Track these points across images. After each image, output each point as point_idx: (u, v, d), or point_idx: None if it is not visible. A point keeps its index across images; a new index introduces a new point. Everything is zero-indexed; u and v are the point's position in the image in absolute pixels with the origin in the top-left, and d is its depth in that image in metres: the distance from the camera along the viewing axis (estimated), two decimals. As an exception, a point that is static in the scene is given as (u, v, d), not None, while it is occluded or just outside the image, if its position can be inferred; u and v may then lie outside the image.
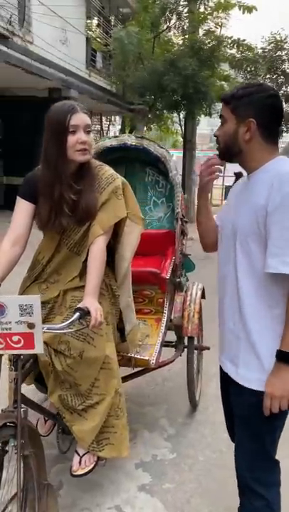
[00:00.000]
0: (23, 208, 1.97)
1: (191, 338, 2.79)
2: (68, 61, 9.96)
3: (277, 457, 1.55)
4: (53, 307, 2.03)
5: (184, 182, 13.96)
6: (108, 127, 16.98)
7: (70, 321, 1.66)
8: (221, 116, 1.52)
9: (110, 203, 1.95)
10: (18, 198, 1.99)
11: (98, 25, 12.52)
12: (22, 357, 1.64)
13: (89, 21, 11.47)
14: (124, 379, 2.62)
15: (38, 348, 1.54)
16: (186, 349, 2.87)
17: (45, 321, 2.03)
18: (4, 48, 7.08)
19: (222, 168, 1.66)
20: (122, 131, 15.55)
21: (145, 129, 16.79)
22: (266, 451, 1.50)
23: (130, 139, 3.14)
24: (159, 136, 19.28)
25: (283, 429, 1.52)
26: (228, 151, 1.51)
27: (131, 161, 3.35)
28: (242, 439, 1.54)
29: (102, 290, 2.07)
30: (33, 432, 1.70)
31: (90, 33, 11.70)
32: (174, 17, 11.90)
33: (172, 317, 2.86)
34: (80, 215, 1.94)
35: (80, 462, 1.94)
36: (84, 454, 1.95)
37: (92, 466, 1.95)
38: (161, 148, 3.08)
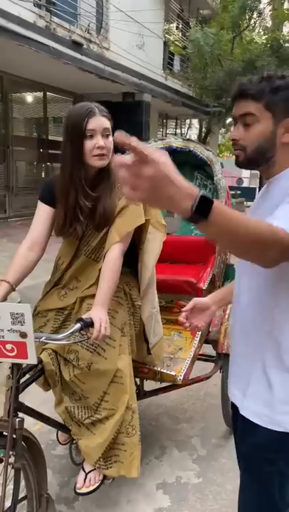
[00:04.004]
0: (42, 212, 1.94)
1: (227, 355, 2.58)
2: (144, 65, 10.04)
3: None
4: (69, 314, 1.98)
5: (261, 185, 13.43)
6: (187, 131, 16.90)
7: (70, 332, 1.59)
8: (243, 115, 1.22)
9: (128, 208, 1.86)
10: (38, 201, 1.97)
11: (177, 28, 12.49)
12: (24, 365, 1.61)
13: (166, 26, 11.47)
14: (151, 393, 2.51)
15: (32, 358, 1.49)
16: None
17: (60, 327, 2.00)
18: (78, 55, 7.30)
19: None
20: (200, 134, 15.38)
21: (223, 131, 16.47)
22: (273, 504, 1.29)
23: (176, 142, 3.02)
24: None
25: None
26: (260, 157, 1.23)
27: (180, 164, 3.23)
28: (245, 484, 1.35)
29: (120, 299, 1.97)
30: (31, 442, 1.66)
31: (168, 36, 11.70)
32: (255, 15, 11.47)
33: (210, 330, 2.69)
34: (98, 220, 1.87)
35: (85, 479, 1.85)
36: (90, 471, 1.86)
37: (98, 484, 1.86)
38: (208, 150, 2.92)
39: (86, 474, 1.86)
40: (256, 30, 12.93)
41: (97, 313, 1.67)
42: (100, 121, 1.76)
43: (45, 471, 1.76)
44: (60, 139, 1.96)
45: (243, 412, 1.31)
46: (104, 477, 1.88)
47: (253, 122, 1.20)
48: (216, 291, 1.64)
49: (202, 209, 0.87)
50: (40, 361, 1.79)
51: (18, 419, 1.55)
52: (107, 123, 1.80)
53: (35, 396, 2.25)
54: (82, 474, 1.87)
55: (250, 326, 1.28)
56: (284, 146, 1.21)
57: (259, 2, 11.14)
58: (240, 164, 1.29)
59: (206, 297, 1.60)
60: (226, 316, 2.65)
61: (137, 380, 2.48)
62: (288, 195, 1.13)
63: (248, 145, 1.22)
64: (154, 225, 1.99)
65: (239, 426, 1.38)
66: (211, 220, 0.88)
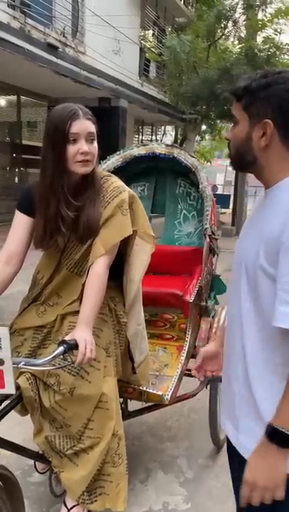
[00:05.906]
0: (20, 222, 1.78)
1: (214, 371, 2.47)
2: (120, 71, 9.95)
3: None
4: (49, 332, 1.82)
5: (236, 192, 13.52)
6: (162, 137, 16.89)
7: (52, 356, 1.43)
8: (232, 116, 1.19)
9: (115, 218, 1.72)
10: (16, 210, 1.81)
11: (153, 35, 12.48)
12: (-1, 393, 1.44)
13: (142, 33, 11.44)
14: (136, 413, 2.36)
15: (9, 388, 1.32)
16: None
17: (39, 347, 1.83)
18: (53, 58, 7.14)
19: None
20: (175, 141, 15.39)
21: (198, 138, 16.54)
22: None
23: (159, 148, 2.90)
24: (213, 146, 18.91)
25: None
26: (240, 159, 1.17)
27: (162, 171, 3.12)
28: None
29: (105, 316, 1.83)
30: (6, 478, 1.49)
31: (144, 43, 11.67)
32: (230, 24, 11.55)
33: (196, 345, 2.56)
34: (81, 231, 1.72)
35: (67, 516, 1.69)
36: (72, 507, 1.70)
37: (81, 521, 1.70)
38: (192, 157, 2.82)
39: (68, 510, 1.69)
40: (231, 40, 13.03)
41: (81, 334, 1.52)
42: (84, 125, 1.62)
43: (23, 507, 1.59)
44: (35, 143, 1.80)
45: (237, 447, 1.18)
46: (89, 512, 1.72)
47: (235, 123, 1.14)
48: (219, 334, 1.54)
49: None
50: (17, 387, 1.62)
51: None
52: (91, 127, 1.66)
53: (9, 418, 2.08)
54: (63, 510, 1.71)
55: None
56: (265, 150, 1.11)
57: (234, 11, 11.23)
58: (231, 165, 1.25)
59: (211, 344, 1.52)
60: (214, 330, 2.54)
61: (121, 399, 2.33)
62: None
63: (232, 146, 1.17)
64: (142, 237, 1.86)
65: (235, 460, 1.24)
66: None
